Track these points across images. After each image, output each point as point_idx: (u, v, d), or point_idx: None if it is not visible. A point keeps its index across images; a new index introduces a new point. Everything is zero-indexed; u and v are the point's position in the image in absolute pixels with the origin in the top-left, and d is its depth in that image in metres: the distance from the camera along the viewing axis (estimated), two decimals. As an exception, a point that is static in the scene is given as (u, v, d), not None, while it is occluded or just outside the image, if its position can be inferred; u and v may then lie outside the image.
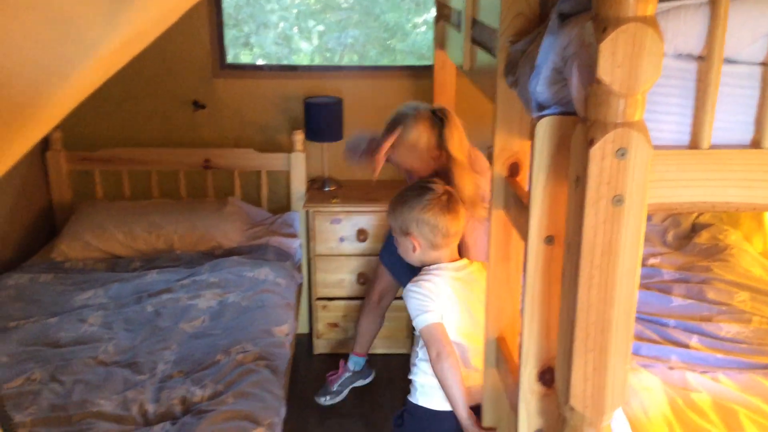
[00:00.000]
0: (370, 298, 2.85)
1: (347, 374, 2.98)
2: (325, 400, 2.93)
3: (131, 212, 3.15)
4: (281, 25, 3.66)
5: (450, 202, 1.94)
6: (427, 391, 1.96)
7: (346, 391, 2.98)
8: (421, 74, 3.42)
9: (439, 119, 2.30)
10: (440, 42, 3.13)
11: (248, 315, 2.42)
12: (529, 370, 1.36)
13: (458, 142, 2.28)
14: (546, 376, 1.36)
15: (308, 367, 3.19)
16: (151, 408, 1.96)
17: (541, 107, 1.25)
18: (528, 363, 1.36)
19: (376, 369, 3.15)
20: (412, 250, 1.95)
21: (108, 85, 3.28)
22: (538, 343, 1.35)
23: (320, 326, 3.29)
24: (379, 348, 3.27)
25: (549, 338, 1.34)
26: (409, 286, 1.92)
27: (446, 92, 3.32)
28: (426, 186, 1.96)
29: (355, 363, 2.98)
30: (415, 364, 1.99)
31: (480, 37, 2.03)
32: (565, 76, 1.19)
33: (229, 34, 3.51)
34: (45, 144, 3.34)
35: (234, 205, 3.28)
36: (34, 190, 3.29)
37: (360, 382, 3.03)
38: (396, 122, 2.31)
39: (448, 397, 1.86)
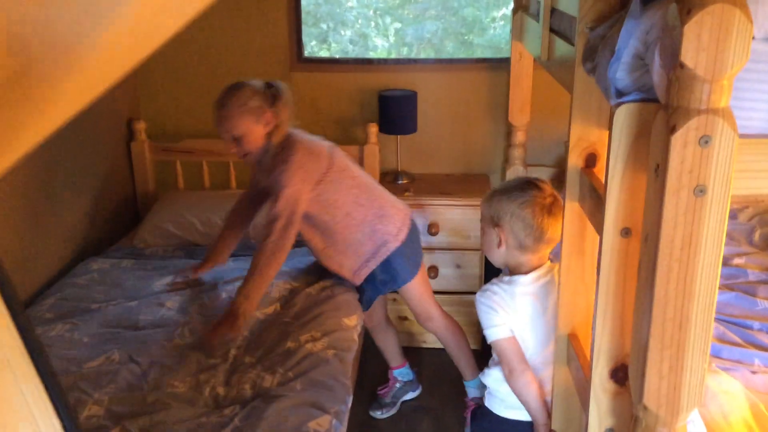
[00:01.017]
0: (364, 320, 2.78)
1: (398, 385, 2.93)
2: (381, 414, 2.87)
3: (209, 202, 3.23)
4: (359, 22, 3.67)
5: (554, 206, 1.78)
6: (493, 394, 1.92)
7: (398, 403, 2.93)
8: (497, 67, 3.38)
9: (272, 94, 2.35)
10: (517, 33, 3.08)
11: (318, 305, 2.44)
12: (601, 367, 1.31)
13: (286, 113, 2.36)
14: (619, 374, 1.31)
15: (376, 360, 3.19)
16: (222, 391, 2.00)
17: (620, 94, 1.20)
18: (600, 360, 1.31)
19: (448, 363, 3.13)
20: (497, 245, 1.80)
21: (189, 78, 3.40)
22: (611, 339, 1.30)
23: (390, 318, 3.29)
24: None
25: (623, 334, 1.30)
26: (478, 294, 1.84)
27: (522, 85, 3.26)
28: (534, 182, 1.81)
29: (400, 374, 2.93)
30: (488, 366, 1.94)
31: (559, 26, 1.98)
32: (647, 62, 1.14)
33: (308, 32, 3.55)
34: (130, 135, 3.46)
35: (307, 196, 3.32)
36: (119, 179, 3.42)
37: (410, 395, 2.97)
38: (228, 90, 2.34)
39: (528, 411, 1.82)
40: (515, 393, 1.79)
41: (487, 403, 1.94)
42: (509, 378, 1.79)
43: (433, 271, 3.22)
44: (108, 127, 3.32)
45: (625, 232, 1.25)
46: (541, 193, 1.77)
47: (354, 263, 2.46)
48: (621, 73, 1.18)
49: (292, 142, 2.32)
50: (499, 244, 1.80)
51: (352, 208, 2.40)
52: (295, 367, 2.08)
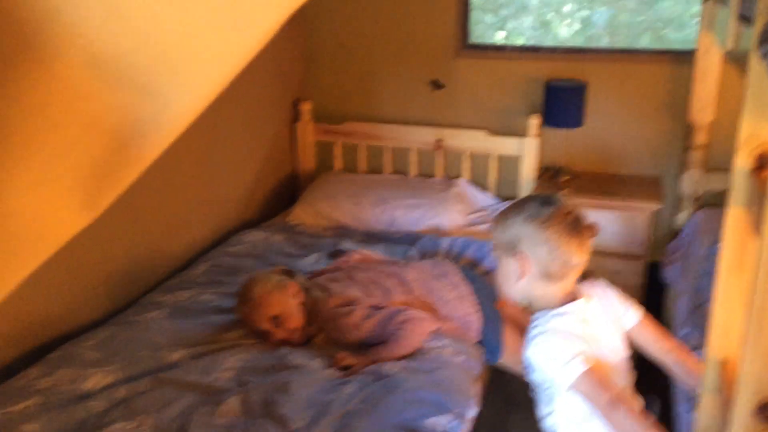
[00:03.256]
0: None
1: None
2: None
3: (362, 185, 3.25)
4: (542, 11, 3.47)
5: (578, 224, 1.48)
6: None
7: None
8: (680, 60, 3.08)
9: (283, 270, 2.32)
10: (708, 23, 2.80)
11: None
12: (745, 400, 1.12)
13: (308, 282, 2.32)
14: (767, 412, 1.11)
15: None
16: (341, 372, 1.99)
17: (793, 79, 1.01)
18: (745, 392, 1.12)
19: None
20: (517, 277, 1.49)
21: (354, 62, 3.41)
22: (761, 370, 1.10)
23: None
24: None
25: (777, 366, 1.09)
26: (533, 340, 1.48)
27: (708, 80, 2.95)
28: (549, 198, 1.51)
29: None
30: None
31: (747, 11, 1.75)
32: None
33: (487, 19, 3.45)
34: (295, 115, 3.57)
35: (460, 187, 3.24)
36: (282, 157, 3.54)
37: None
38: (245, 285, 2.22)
39: None
40: (622, 430, 1.43)
41: None
42: (609, 414, 1.41)
43: (589, 274, 3.01)
44: (275, 106, 3.44)
45: (789, 245, 1.05)
46: (561, 210, 1.47)
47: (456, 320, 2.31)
48: (797, 55, 0.99)
49: (328, 311, 2.20)
50: (521, 276, 1.48)
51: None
52: (420, 361, 2.02)
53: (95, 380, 1.89)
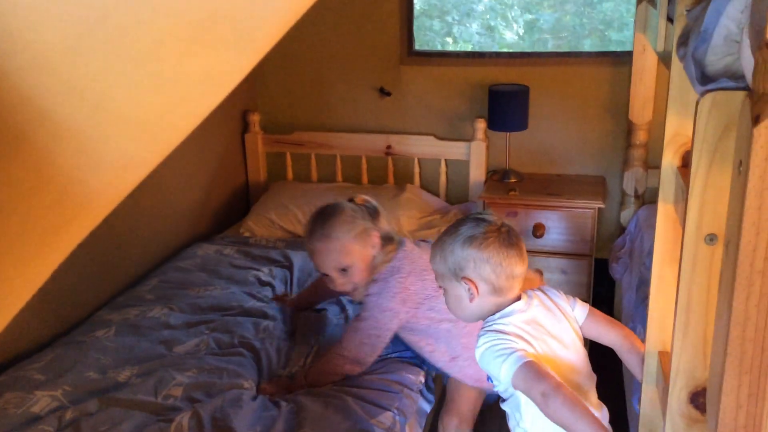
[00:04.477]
0: None
1: None
2: None
3: (314, 194, 3.25)
4: (487, 15, 3.53)
5: (511, 236, 1.55)
6: None
7: None
8: (618, 61, 3.17)
9: (368, 210, 2.03)
10: (641, 25, 2.88)
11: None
12: (678, 389, 1.17)
13: (386, 227, 2.06)
14: (700, 399, 1.16)
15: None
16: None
17: (707, 81, 1.06)
18: (678, 381, 1.16)
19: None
20: (469, 299, 1.53)
21: (302, 71, 3.41)
22: (692, 359, 1.15)
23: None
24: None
25: (706, 354, 1.14)
26: (479, 342, 1.51)
27: (645, 80, 3.04)
28: (480, 218, 1.57)
29: None
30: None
31: (674, 13, 1.82)
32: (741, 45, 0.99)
33: (435, 25, 3.49)
34: (244, 126, 3.56)
35: (411, 192, 3.27)
36: (232, 169, 3.53)
37: None
38: (326, 215, 1.99)
39: None
40: (560, 422, 1.38)
41: None
42: (545, 404, 1.38)
43: (537, 273, 3.07)
44: (224, 118, 3.43)
45: (711, 239, 1.10)
46: (493, 226, 1.54)
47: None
48: (709, 57, 1.04)
49: (398, 267, 1.98)
50: (472, 297, 1.53)
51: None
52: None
53: (43, 403, 1.86)
